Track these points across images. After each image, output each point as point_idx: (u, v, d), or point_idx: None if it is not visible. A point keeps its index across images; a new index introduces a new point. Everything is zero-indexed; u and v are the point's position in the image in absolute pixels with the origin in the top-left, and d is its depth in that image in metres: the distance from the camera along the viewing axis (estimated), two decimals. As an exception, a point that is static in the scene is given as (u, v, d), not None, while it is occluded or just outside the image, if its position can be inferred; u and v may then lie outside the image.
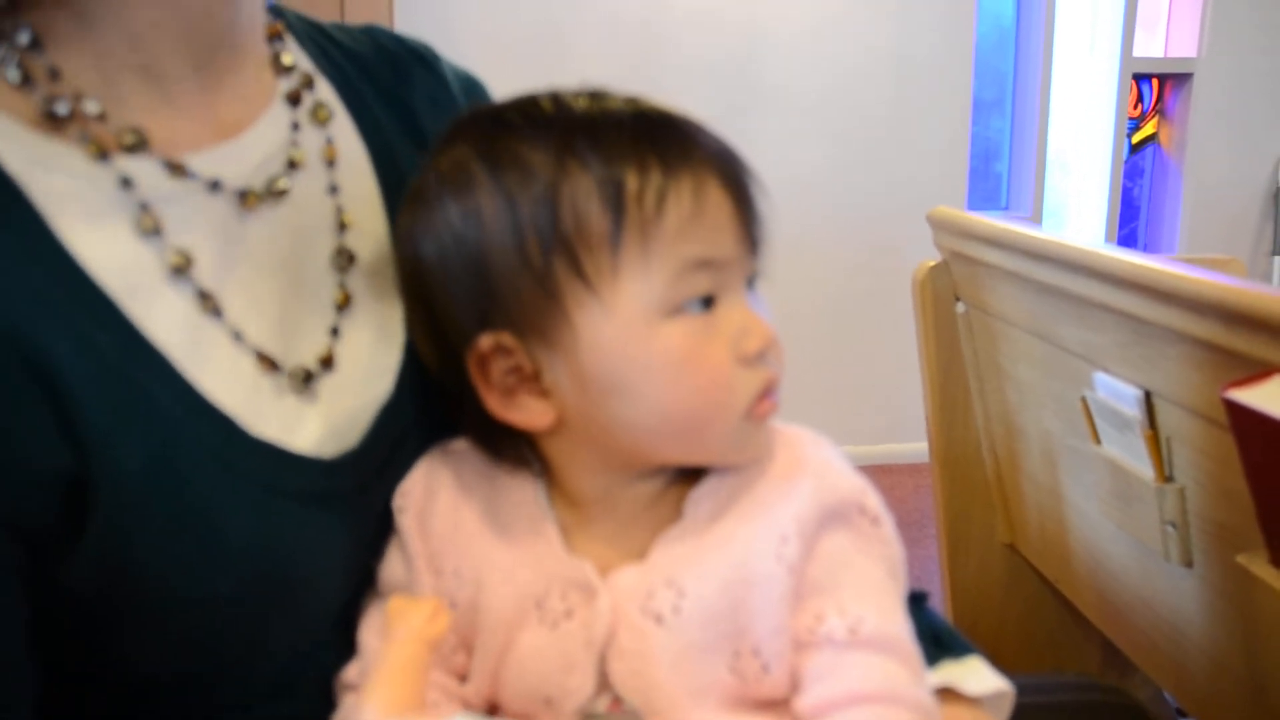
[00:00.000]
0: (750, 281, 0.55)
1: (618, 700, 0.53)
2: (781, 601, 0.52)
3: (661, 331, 0.51)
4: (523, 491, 0.57)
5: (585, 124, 0.53)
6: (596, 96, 0.55)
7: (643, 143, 0.52)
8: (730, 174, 0.54)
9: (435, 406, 0.61)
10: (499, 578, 0.55)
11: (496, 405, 0.54)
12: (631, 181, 0.51)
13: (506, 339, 0.53)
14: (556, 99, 0.55)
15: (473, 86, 0.74)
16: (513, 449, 0.57)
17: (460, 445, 0.60)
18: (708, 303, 0.52)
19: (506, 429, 0.56)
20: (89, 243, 0.51)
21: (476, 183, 0.53)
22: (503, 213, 0.52)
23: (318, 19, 0.70)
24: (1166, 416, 0.96)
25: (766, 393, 0.53)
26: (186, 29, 0.55)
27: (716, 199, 0.52)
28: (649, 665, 0.52)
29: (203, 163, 0.56)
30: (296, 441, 0.56)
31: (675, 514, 0.55)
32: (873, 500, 0.55)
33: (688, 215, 0.51)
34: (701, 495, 0.55)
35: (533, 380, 0.54)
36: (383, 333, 0.62)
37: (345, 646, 0.58)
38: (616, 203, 0.50)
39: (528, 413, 0.54)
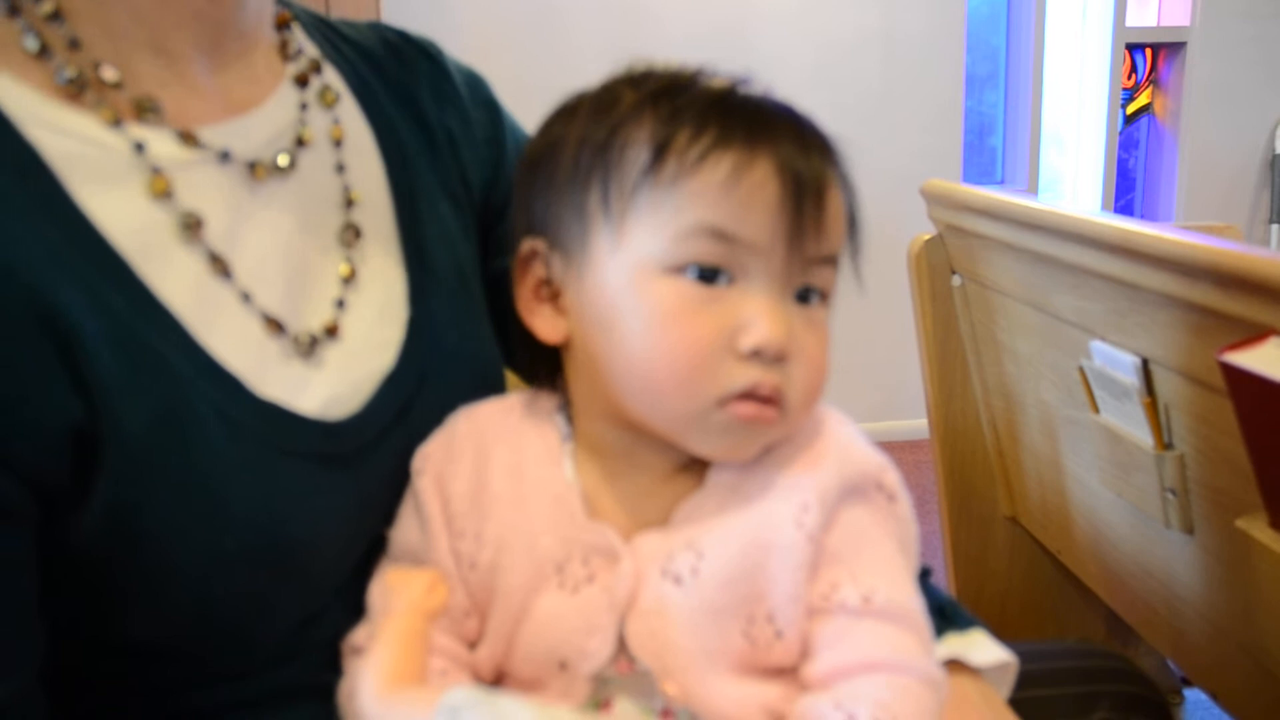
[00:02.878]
0: (804, 293, 0.54)
1: (629, 662, 0.53)
2: (799, 569, 0.53)
3: (655, 285, 0.52)
4: (548, 457, 0.58)
5: (684, 87, 0.55)
6: (735, 81, 0.56)
7: (715, 111, 0.53)
8: (799, 174, 0.52)
9: (438, 380, 0.63)
10: (520, 542, 0.56)
11: (523, 305, 0.58)
12: (682, 136, 0.52)
13: (540, 245, 0.56)
14: (696, 71, 0.57)
15: (475, 82, 0.76)
16: (548, 374, 0.60)
17: (485, 410, 0.61)
18: (714, 276, 0.51)
19: (544, 351, 0.59)
20: (102, 204, 0.53)
21: (579, 108, 0.56)
22: (580, 133, 0.55)
23: (323, 14, 0.72)
24: (1164, 383, 0.96)
25: (750, 394, 0.52)
26: (193, 10, 0.57)
27: (762, 181, 0.51)
28: (666, 625, 0.52)
29: (213, 135, 0.58)
30: (301, 404, 0.57)
31: (697, 484, 0.56)
32: (891, 478, 0.57)
33: (720, 183, 0.51)
34: (724, 464, 0.55)
35: (557, 297, 0.57)
36: (386, 307, 0.63)
37: (349, 614, 0.59)
38: (660, 150, 0.52)
39: (543, 321, 0.58)
